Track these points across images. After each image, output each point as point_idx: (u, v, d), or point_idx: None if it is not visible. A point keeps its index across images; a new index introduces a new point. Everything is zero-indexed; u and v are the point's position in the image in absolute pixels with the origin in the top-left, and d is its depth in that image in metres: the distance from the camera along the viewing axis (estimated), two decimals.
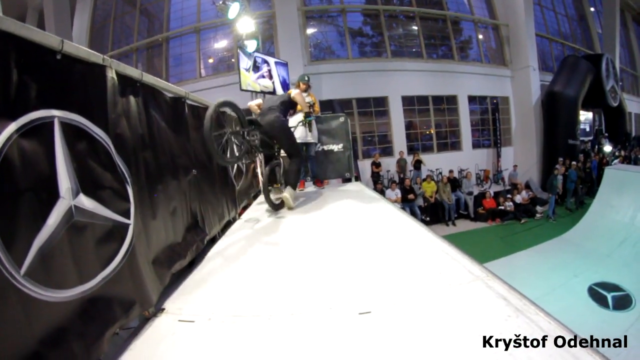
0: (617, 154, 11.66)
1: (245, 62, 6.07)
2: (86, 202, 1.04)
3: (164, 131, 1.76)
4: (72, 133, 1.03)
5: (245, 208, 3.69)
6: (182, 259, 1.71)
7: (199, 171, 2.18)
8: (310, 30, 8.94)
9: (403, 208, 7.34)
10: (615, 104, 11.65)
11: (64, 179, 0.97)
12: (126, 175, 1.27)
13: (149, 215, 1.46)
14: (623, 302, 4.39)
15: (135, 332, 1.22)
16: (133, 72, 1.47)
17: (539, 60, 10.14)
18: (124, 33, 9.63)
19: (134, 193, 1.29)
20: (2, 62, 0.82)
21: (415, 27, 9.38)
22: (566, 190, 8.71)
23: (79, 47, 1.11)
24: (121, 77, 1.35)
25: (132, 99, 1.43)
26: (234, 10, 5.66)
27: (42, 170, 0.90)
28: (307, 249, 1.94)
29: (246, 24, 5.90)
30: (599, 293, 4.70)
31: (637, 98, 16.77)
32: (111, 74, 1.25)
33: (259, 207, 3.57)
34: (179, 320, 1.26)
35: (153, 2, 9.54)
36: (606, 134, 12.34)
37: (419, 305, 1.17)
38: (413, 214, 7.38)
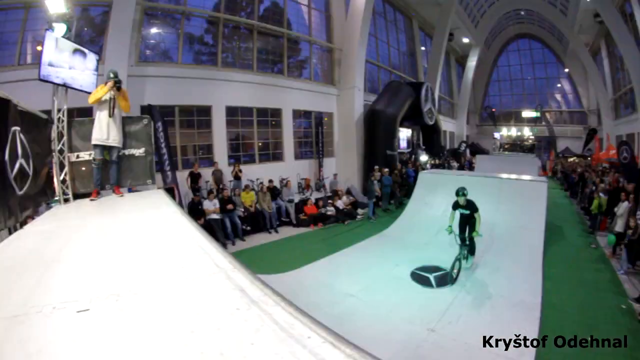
0: (431, 162, 14.74)
1: (48, 48, 4.92)
2: None
3: None
4: None
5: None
6: None
7: None
8: (147, 30, 8.08)
9: (222, 219, 7.36)
10: (432, 123, 14.57)
11: None
12: None
13: None
14: (444, 280, 4.89)
15: None
16: None
17: (366, 83, 11.84)
18: None
19: None
20: None
21: (252, 41, 9.62)
22: (383, 194, 10.35)
23: None
24: None
25: None
26: None
27: None
28: (71, 254, 1.92)
29: (56, 4, 4.80)
30: (421, 275, 5.10)
31: (452, 120, 21.94)
32: None
33: (49, 217, 3.22)
34: None
35: None
36: (423, 147, 15.51)
37: (148, 299, 1.16)
38: (233, 223, 7.46)
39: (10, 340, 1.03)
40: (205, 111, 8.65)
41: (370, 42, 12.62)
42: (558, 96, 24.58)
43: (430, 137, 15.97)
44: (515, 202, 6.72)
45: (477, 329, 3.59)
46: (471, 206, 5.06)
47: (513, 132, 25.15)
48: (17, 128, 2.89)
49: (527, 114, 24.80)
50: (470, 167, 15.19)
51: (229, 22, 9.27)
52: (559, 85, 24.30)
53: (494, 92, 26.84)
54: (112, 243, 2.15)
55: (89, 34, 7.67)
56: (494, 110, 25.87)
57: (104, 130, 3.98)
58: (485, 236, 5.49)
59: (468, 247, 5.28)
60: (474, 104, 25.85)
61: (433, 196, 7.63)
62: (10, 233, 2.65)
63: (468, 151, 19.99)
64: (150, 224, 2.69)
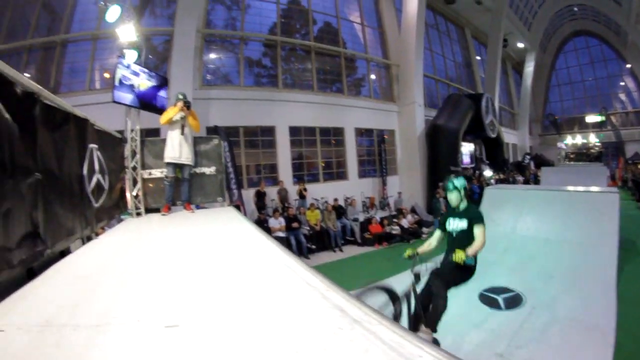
0: (495, 177, 13.66)
1: (120, 73, 5.64)
2: None
3: (5, 124, 1.60)
4: None
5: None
6: (11, 267, 1.58)
7: (45, 177, 1.98)
8: (208, 55, 8.81)
9: (288, 237, 7.38)
10: (494, 135, 13.69)
11: None
12: None
13: None
14: (514, 301, 4.61)
15: None
16: None
17: (425, 98, 11.45)
18: (22, 26, 8.32)
19: None
20: None
21: (310, 61, 9.88)
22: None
23: None
24: None
25: None
26: (113, 13, 5.20)
27: None
28: (146, 267, 1.91)
29: (128, 32, 5.49)
30: (489, 297, 4.81)
31: (513, 131, 20.21)
32: None
33: (122, 229, 3.44)
34: None
35: None
36: (487, 161, 14.40)
37: (244, 317, 1.11)
38: (298, 242, 7.44)
39: (92, 350, 1.02)
40: (268, 131, 8.94)
41: (426, 55, 12.32)
42: (622, 96, 21.64)
43: (492, 151, 14.87)
44: (584, 216, 6.09)
45: (547, 354, 3.39)
46: (472, 214, 2.82)
47: (578, 139, 22.47)
48: (94, 145, 3.09)
49: (591, 118, 22.15)
50: (536, 181, 13.93)
51: (285, 44, 9.68)
52: (622, 83, 21.42)
53: (554, 98, 24.49)
54: (190, 256, 2.12)
55: (153, 61, 8.48)
56: (556, 117, 23.47)
57: (176, 149, 4.11)
58: (554, 254, 5.20)
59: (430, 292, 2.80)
60: (535, 113, 23.72)
61: (500, 213, 7.09)
62: (83, 243, 2.74)
63: (532, 163, 18.39)
64: (227, 239, 2.65)
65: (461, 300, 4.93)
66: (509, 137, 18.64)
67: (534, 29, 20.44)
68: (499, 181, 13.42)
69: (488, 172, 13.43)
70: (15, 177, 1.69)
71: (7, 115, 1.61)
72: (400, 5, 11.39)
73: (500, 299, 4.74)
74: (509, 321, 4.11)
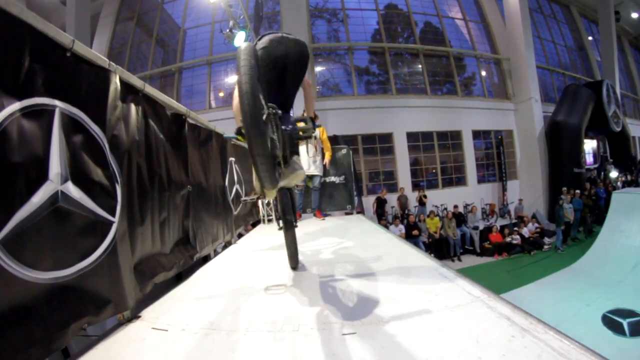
0: (622, 178, 11.69)
1: None
2: (73, 190, 1.09)
3: (161, 143, 1.82)
4: (71, 124, 1.12)
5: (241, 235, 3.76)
6: (166, 270, 1.71)
7: (194, 189, 2.20)
8: (317, 68, 9.29)
9: None
10: (619, 129, 11.76)
11: (55, 164, 1.02)
12: (117, 174, 1.32)
13: (137, 220, 1.49)
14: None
15: (106, 334, 1.25)
16: (136, 81, 1.57)
17: (540, 92, 10.36)
18: (140, 61, 10.12)
19: (122, 193, 1.33)
20: (18, 48, 0.93)
21: (419, 64, 9.70)
22: (574, 219, 8.71)
23: (87, 49, 1.23)
24: (124, 83, 1.46)
25: (132, 106, 1.52)
26: (240, 38, 5.90)
27: (36, 150, 0.96)
28: (298, 272, 1.93)
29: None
30: (614, 320, 4.59)
31: (639, 121, 16.91)
32: (115, 79, 1.36)
33: (256, 235, 3.66)
34: (152, 328, 1.25)
35: (169, 33, 10.08)
36: (611, 160, 12.39)
37: (414, 326, 1.12)
38: None
39: (273, 355, 1.01)
40: (386, 138, 9.08)
41: (535, 43, 11.11)
42: None
43: (617, 147, 12.74)
44: None
45: None
46: None
47: None
48: (233, 159, 3.36)
49: None
50: None
51: (392, 49, 9.64)
52: None
53: None
54: (337, 264, 2.06)
55: None
56: None
57: (305, 160, 4.16)
58: None
59: None
60: None
61: (629, 223, 6.37)
62: (215, 252, 2.84)
63: None
64: (370, 246, 2.54)
65: (582, 319, 4.64)
66: (635, 129, 15.68)
67: None
68: (626, 183, 11.50)
69: (614, 173, 11.58)
70: (171, 190, 1.87)
71: (161, 136, 1.80)
72: None
73: (625, 323, 4.41)
74: (633, 350, 3.80)
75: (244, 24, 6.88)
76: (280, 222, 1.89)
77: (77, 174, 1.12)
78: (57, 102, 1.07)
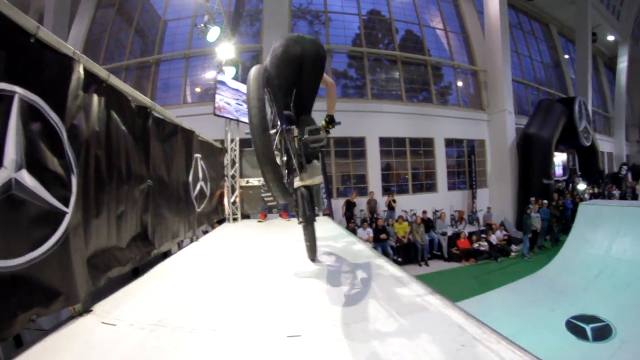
0: (589, 191, 12.17)
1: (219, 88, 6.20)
2: (27, 178, 1.06)
3: (123, 135, 1.79)
4: (29, 111, 1.09)
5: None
6: (121, 265, 1.69)
7: (155, 184, 2.17)
8: None
9: (375, 247, 7.44)
10: (588, 144, 12.26)
11: (11, 150, 1.00)
12: (73, 164, 1.28)
13: (92, 212, 1.46)
14: (603, 333, 4.36)
15: (57, 326, 1.24)
16: (100, 71, 1.53)
17: (514, 104, 10.66)
18: (118, 50, 9.81)
19: (78, 184, 1.30)
20: None
21: (397, 71, 9.82)
22: (541, 228, 8.96)
23: (52, 35, 1.20)
24: (88, 73, 1.42)
25: (95, 96, 1.49)
26: (213, 34, 5.82)
27: None
28: (252, 273, 1.96)
29: (226, 50, 6.03)
30: (577, 326, 4.65)
31: (609, 138, 17.76)
32: (78, 68, 1.33)
33: (220, 233, 3.64)
34: (102, 322, 1.27)
35: (149, 24, 9.81)
36: (580, 173, 12.88)
37: (360, 331, 1.10)
38: (385, 253, 7.46)
39: (213, 355, 1.01)
40: (359, 142, 9.09)
41: (513, 58, 11.48)
42: None
43: (586, 161, 13.27)
44: None
45: None
46: None
47: None
48: (199, 155, 3.34)
49: None
50: (634, 196, 12.18)
51: (371, 54, 9.73)
52: None
53: None
54: (293, 265, 2.07)
55: (243, 76, 9.11)
56: None
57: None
58: None
59: None
60: (632, 116, 20.53)
61: (594, 232, 6.51)
62: (179, 247, 2.87)
63: (630, 175, 15.98)
64: (330, 248, 2.55)
65: (546, 324, 4.73)
66: (604, 144, 16.42)
67: (624, 18, 17.79)
68: (593, 195, 11.99)
69: (582, 186, 12.03)
70: (130, 183, 1.86)
71: (123, 127, 1.79)
72: (481, 6, 10.80)
73: (588, 328, 4.49)
74: (595, 355, 3.87)
75: (222, 20, 6.80)
76: (300, 218, 1.96)
77: (32, 162, 1.09)
78: (17, 88, 1.04)
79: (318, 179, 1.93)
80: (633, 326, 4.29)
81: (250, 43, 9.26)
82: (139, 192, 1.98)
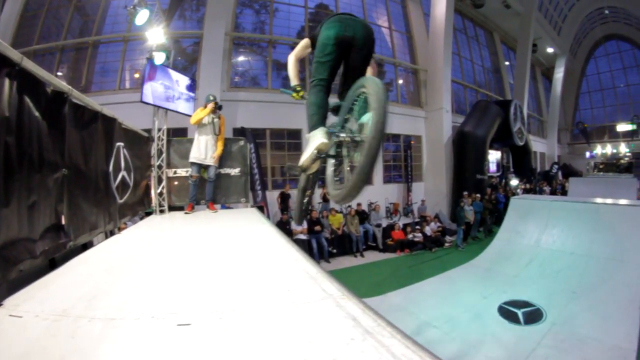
0: (522, 186, 13.19)
1: (148, 75, 5.84)
2: None
3: (36, 121, 1.71)
4: None
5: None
6: (34, 257, 1.65)
7: (71, 173, 2.08)
8: (236, 57, 9.01)
9: (309, 239, 7.40)
10: (522, 144, 13.21)
11: None
12: None
13: (0, 202, 1.39)
14: (534, 316, 4.55)
15: None
16: (12, 54, 1.46)
17: (452, 104, 11.22)
18: (55, 28, 8.81)
19: None
20: None
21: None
22: (474, 220, 9.48)
23: None
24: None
25: (6, 80, 1.42)
26: (142, 17, 5.43)
27: None
28: (166, 263, 1.98)
29: (156, 35, 5.68)
30: (509, 311, 4.77)
31: (542, 139, 19.45)
32: None
33: (145, 225, 3.56)
34: (9, 315, 1.24)
35: (91, 0, 8.94)
36: (512, 170, 13.91)
37: (251, 321, 1.10)
38: (320, 245, 7.46)
39: (105, 343, 1.04)
40: (295, 134, 9.01)
41: (454, 60, 12.08)
42: None
43: (520, 159, 14.36)
44: (613, 230, 5.78)
45: None
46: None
47: (608, 149, 21.28)
48: (121, 144, 3.18)
49: (623, 127, 20.90)
50: (563, 192, 13.42)
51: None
52: None
53: (584, 105, 23.35)
54: (209, 256, 2.14)
55: (181, 62, 8.68)
56: (586, 126, 22.34)
57: (202, 150, 4.21)
58: (578, 269, 5.12)
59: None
60: (564, 121, 22.71)
61: (525, 224, 6.94)
62: (107, 237, 2.83)
63: (560, 173, 17.65)
64: (247, 240, 2.64)
65: (479, 310, 4.87)
66: (537, 145, 17.95)
67: (564, 33, 19.60)
68: (525, 191, 13.00)
69: (514, 181, 13.00)
70: (43, 171, 1.78)
71: (36, 113, 1.71)
72: (428, 9, 11.24)
73: (520, 313, 4.68)
74: (527, 337, 4.07)
75: (155, 3, 6.35)
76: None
77: None
78: None
79: None
80: (561, 309, 4.57)
81: (193, 29, 8.82)
82: (52, 181, 1.88)
